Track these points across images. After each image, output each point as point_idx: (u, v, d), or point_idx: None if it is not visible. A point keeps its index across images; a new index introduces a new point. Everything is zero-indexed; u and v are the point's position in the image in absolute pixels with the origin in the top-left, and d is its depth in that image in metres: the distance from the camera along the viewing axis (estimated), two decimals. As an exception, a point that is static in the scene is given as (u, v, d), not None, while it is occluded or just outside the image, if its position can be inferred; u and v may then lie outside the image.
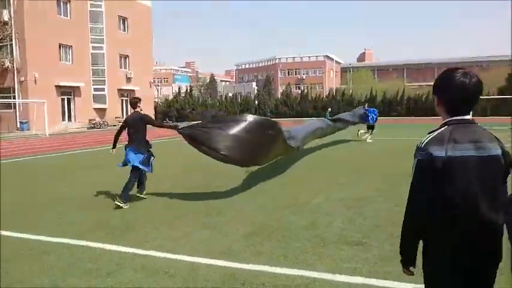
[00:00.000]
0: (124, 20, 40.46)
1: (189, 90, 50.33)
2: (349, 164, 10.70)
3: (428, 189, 1.85)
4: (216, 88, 64.13)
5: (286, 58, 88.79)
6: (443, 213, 1.84)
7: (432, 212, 1.86)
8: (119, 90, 39.66)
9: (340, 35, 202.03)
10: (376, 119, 17.64)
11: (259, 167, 8.96)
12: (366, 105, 18.54)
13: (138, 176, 6.70)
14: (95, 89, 37.27)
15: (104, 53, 37.47)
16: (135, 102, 6.94)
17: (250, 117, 7.12)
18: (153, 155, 6.88)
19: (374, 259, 4.12)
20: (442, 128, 1.94)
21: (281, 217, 5.76)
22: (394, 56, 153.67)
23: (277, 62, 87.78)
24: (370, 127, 17.40)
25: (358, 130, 17.68)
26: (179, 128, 6.89)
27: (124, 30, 40.77)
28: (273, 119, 8.40)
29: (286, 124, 11.91)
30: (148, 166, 6.75)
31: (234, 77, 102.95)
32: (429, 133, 1.96)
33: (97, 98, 37.44)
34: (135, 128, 6.70)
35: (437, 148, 1.86)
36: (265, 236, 4.91)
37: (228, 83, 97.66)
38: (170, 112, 46.46)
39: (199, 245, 4.65)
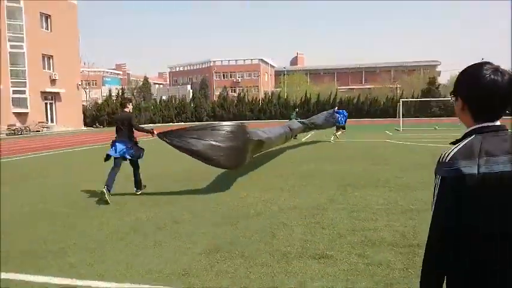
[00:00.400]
0: (47, 17, 37.65)
1: (120, 93, 48.02)
2: (295, 170, 10.49)
3: (455, 217, 1.46)
4: (149, 91, 61.95)
5: (221, 61, 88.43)
6: (473, 255, 1.44)
7: (457, 253, 1.47)
8: (43, 92, 36.82)
9: (273, 39, 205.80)
10: (346, 120, 18.82)
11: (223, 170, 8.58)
12: (336, 108, 19.47)
13: (119, 168, 7.24)
14: (14, 92, 34.25)
15: (24, 53, 34.57)
16: (124, 103, 7.68)
17: (227, 127, 7.61)
18: (141, 150, 7.47)
19: (344, 275, 3.80)
20: (470, 138, 1.55)
21: (237, 230, 5.29)
22: (325, 61, 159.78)
23: (212, 64, 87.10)
24: (341, 127, 18.67)
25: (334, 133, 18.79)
26: (159, 133, 7.27)
27: (47, 28, 37.94)
28: (241, 122, 8.93)
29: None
30: (137, 153, 7.37)
31: (168, 80, 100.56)
32: (453, 143, 1.57)
33: (17, 102, 34.44)
34: (121, 125, 7.30)
35: (467, 163, 1.45)
36: (225, 253, 4.42)
37: (161, 85, 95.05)
38: (102, 116, 43.95)
39: (151, 267, 4.04)
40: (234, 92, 72.73)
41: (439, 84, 53.61)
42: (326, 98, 51.93)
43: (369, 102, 50.30)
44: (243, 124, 8.36)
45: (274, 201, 6.83)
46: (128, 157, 7.33)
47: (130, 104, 7.75)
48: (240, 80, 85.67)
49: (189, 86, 70.96)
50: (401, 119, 26.29)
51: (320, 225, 5.36)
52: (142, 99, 55.37)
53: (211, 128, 7.51)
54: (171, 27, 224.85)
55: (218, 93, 68.40)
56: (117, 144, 7.20)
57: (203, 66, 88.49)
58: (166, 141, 7.26)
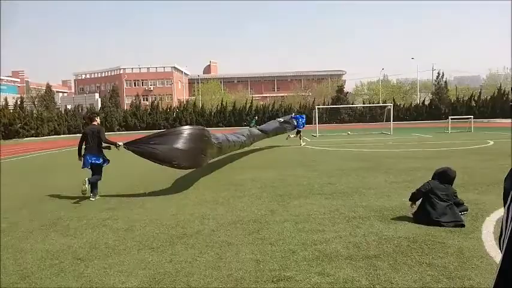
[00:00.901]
0: None
1: (19, 103, 43.42)
2: (229, 179, 9.97)
3: None
4: (53, 100, 57.01)
5: (132, 68, 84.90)
6: None
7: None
8: None
9: (186, 47, 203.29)
10: (304, 124, 19.58)
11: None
12: (293, 114, 20.68)
13: (101, 173, 8.00)
14: None
15: None
16: (92, 117, 8.33)
17: (187, 130, 8.36)
18: (107, 160, 8.10)
19: (311, 300, 3.37)
20: None
21: (177, 254, 4.61)
22: (238, 69, 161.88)
23: (121, 72, 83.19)
24: (299, 132, 19.43)
25: (288, 136, 19.69)
26: (123, 144, 7.85)
27: None
28: (200, 126, 9.75)
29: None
30: (104, 163, 8.04)
31: (73, 88, 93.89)
32: None
33: None
34: (91, 139, 7.87)
35: None
36: (168, 285, 3.74)
37: (66, 94, 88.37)
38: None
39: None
40: (147, 100, 70.11)
41: (347, 92, 56.94)
42: (242, 106, 52.21)
43: (284, 110, 51.58)
44: (203, 128, 9.31)
45: (211, 216, 6.24)
46: (103, 164, 8.05)
47: (98, 117, 8.45)
48: (152, 88, 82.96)
49: (97, 95, 66.75)
50: (317, 125, 27.13)
51: (268, 242, 4.91)
52: (44, 109, 50.67)
53: (171, 132, 8.24)
54: (77, 32, 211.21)
55: (129, 101, 65.30)
56: (87, 157, 7.85)
57: (112, 74, 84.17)
58: (131, 150, 7.85)
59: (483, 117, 45.53)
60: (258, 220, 5.89)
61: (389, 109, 27.90)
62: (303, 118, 19.69)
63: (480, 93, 53.17)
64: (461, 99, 52.26)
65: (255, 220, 5.90)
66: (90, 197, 7.79)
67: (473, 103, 51.41)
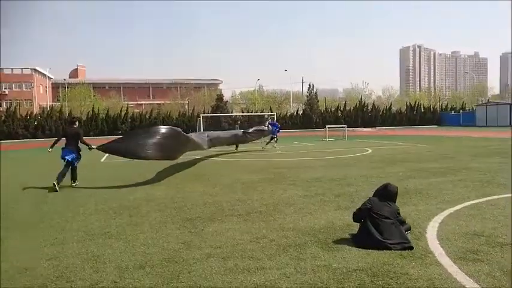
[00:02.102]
0: None
1: None
2: (121, 199, 8.22)
3: None
4: None
5: (-21, 68, 73.06)
6: None
7: None
8: None
9: (49, 48, 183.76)
10: (279, 130, 22.02)
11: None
12: (270, 120, 23.24)
13: (68, 169, 9.79)
14: None
15: None
16: (74, 120, 10.76)
17: (162, 129, 10.52)
18: (80, 158, 10.12)
19: None
20: None
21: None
22: (110, 74, 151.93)
23: (-35, 72, 70.98)
24: (273, 137, 21.19)
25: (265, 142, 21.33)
26: (96, 146, 9.94)
27: None
28: (177, 128, 11.53)
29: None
30: (76, 160, 9.97)
31: None
32: None
33: None
34: (70, 138, 9.94)
35: None
36: None
37: None
38: None
39: None
40: (0, 106, 60.75)
41: (226, 101, 57.08)
42: (116, 114, 48.38)
43: (162, 118, 49.32)
44: (175, 128, 11.38)
45: (106, 257, 4.66)
46: (72, 162, 9.84)
47: (78, 122, 10.88)
48: (7, 92, 72.48)
49: None
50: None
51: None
52: None
53: (144, 132, 10.84)
54: None
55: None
56: (67, 152, 9.73)
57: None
58: (103, 151, 10.02)
59: (348, 126, 49.79)
60: (172, 259, 4.53)
61: (273, 118, 28.26)
62: (277, 125, 22.26)
63: (345, 104, 58.27)
64: (330, 110, 56.53)
65: (168, 259, 4.52)
66: (72, 184, 9.91)
67: (339, 113, 56.04)
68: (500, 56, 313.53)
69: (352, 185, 9.14)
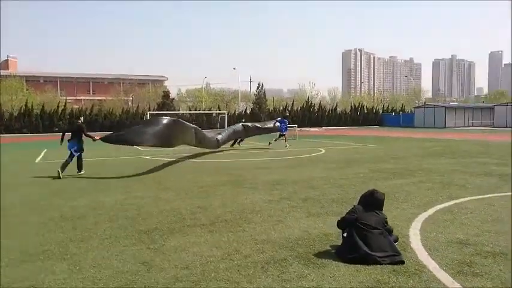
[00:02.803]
0: None
1: None
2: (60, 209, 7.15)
3: None
4: None
5: None
6: None
7: None
8: None
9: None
10: (287, 128, 21.22)
11: None
12: (279, 118, 22.17)
13: (72, 160, 10.95)
14: None
15: None
16: (79, 116, 13.22)
17: (165, 120, 11.93)
18: (83, 150, 11.26)
19: None
20: None
21: None
22: (46, 67, 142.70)
23: None
24: (282, 135, 20.70)
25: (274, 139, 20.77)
26: (100, 138, 10.97)
27: None
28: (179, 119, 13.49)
29: None
30: (78, 153, 11.08)
31: None
32: None
33: None
34: (74, 132, 11.20)
35: None
36: None
37: None
38: None
39: None
40: None
41: (173, 99, 55.41)
42: (53, 110, 45.13)
43: (104, 115, 46.78)
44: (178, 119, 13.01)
45: (46, 286, 3.77)
46: (75, 154, 11.10)
47: (82, 117, 13.44)
48: None
49: None
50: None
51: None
52: None
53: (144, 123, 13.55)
54: None
55: None
56: (71, 144, 11.09)
57: None
58: (108, 142, 11.02)
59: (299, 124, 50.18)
60: (131, 285, 3.75)
61: (224, 116, 27.55)
62: (286, 122, 21.36)
63: (292, 104, 58.76)
64: (278, 109, 56.69)
65: (126, 286, 3.73)
66: (78, 172, 10.98)
67: (287, 113, 56.36)
68: (433, 62, 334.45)
69: (317, 188, 8.71)
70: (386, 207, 6.81)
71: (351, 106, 61.60)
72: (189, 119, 42.61)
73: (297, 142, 24.89)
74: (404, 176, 10.30)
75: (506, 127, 45.63)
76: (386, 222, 4.59)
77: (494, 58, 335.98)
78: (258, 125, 21.73)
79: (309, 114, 56.92)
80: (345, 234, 4.62)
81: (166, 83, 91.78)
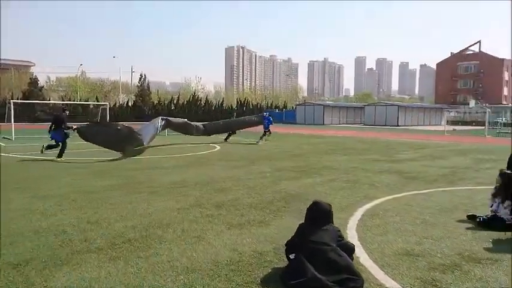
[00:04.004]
0: None
1: None
2: None
3: None
4: None
5: None
6: None
7: None
8: None
9: None
10: (270, 123, 21.60)
11: None
12: (266, 114, 22.55)
13: (56, 146, 12.49)
14: None
15: None
16: (64, 109, 13.47)
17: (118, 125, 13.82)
18: (65, 137, 12.57)
19: None
20: None
21: None
22: None
23: None
24: (267, 131, 21.13)
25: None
26: (75, 128, 12.70)
27: None
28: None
29: None
30: (62, 140, 12.47)
31: None
32: None
33: None
34: (57, 123, 12.43)
35: None
36: None
37: None
38: None
39: None
40: None
41: (42, 87, 49.10)
42: None
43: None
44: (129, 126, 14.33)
45: None
46: (56, 140, 12.51)
47: (67, 111, 13.53)
48: None
49: None
50: (12, 124, 21.00)
51: None
52: None
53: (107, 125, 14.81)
54: None
55: None
56: (52, 133, 12.50)
57: None
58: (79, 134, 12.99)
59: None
60: None
61: (105, 108, 24.89)
62: (270, 119, 21.71)
63: (178, 98, 56.88)
64: (163, 103, 54.35)
65: None
66: (56, 158, 12.23)
67: (172, 106, 54.35)
68: (308, 63, 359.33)
69: (227, 191, 7.77)
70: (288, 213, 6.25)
71: (237, 102, 62.09)
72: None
73: (187, 137, 23.55)
74: (311, 175, 9.95)
75: (374, 125, 50.49)
76: (341, 236, 3.84)
77: (360, 63, 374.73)
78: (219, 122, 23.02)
79: (196, 109, 55.76)
80: (292, 256, 3.77)
81: (33, 69, 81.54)
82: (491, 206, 5.71)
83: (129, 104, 52.69)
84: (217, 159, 13.05)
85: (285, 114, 60.20)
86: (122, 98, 61.60)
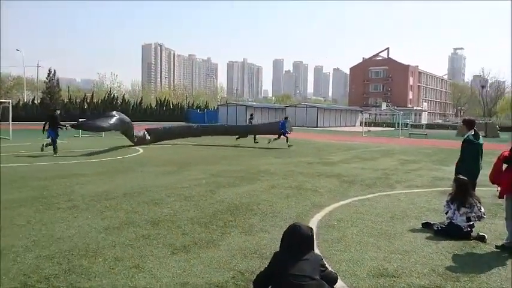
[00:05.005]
0: None
1: None
2: None
3: None
4: None
5: None
6: None
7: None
8: None
9: None
10: (283, 127, 19.61)
11: None
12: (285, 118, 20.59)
13: (52, 144, 13.71)
14: None
15: None
16: (54, 109, 16.48)
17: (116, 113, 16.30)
18: (58, 136, 14.09)
19: None
20: None
21: None
22: None
23: None
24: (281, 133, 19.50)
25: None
26: (70, 126, 14.78)
27: None
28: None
29: None
30: (55, 137, 13.86)
31: None
32: None
33: None
34: (50, 122, 13.95)
35: None
36: None
37: None
38: None
39: None
40: None
41: None
42: None
43: None
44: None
45: None
46: (51, 138, 13.77)
47: (58, 110, 16.13)
48: None
49: None
50: None
51: None
52: None
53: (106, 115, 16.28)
54: None
55: None
56: (49, 131, 13.84)
57: None
58: (78, 128, 16.21)
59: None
60: None
61: (7, 106, 21.98)
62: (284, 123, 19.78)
63: (92, 96, 53.07)
64: (74, 101, 50.32)
65: None
66: (53, 154, 13.31)
67: (85, 105, 50.54)
68: (227, 64, 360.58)
69: (162, 203, 6.85)
70: (261, 226, 5.62)
71: (156, 101, 59.68)
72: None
73: (104, 139, 21.69)
74: (250, 181, 9.34)
75: (295, 126, 51.50)
76: (324, 266, 3.22)
77: (278, 65, 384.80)
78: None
79: (112, 108, 52.40)
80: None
81: None
82: (447, 213, 5.55)
83: (35, 102, 47.88)
84: (143, 164, 11.87)
85: (207, 115, 59.13)
86: (27, 95, 55.90)
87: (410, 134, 34.28)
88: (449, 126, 59.31)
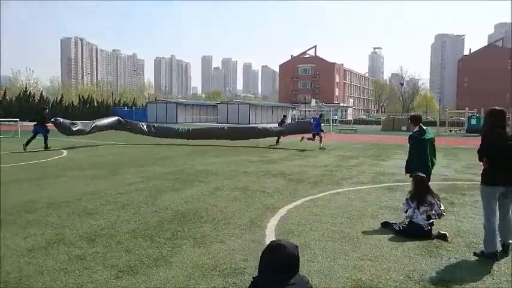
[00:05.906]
0: None
1: None
2: None
3: None
4: None
5: None
6: None
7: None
8: None
9: None
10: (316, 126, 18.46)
11: None
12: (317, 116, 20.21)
13: (34, 138, 15.28)
14: None
15: None
16: (44, 109, 17.28)
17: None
18: (48, 132, 15.66)
19: None
20: None
21: None
22: None
23: None
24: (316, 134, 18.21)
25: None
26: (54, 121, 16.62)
27: None
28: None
29: None
30: (45, 132, 15.49)
31: None
32: None
33: None
34: (40, 120, 15.66)
35: None
36: None
37: None
38: None
39: None
40: None
41: None
42: None
43: None
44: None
45: None
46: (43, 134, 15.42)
47: (46, 110, 17.23)
48: None
49: None
50: None
51: None
52: None
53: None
54: None
55: None
56: (37, 128, 15.59)
57: None
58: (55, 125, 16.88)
59: (12, 117, 41.37)
60: None
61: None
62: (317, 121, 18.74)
63: (5, 93, 48.38)
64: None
65: None
66: (47, 148, 15.22)
67: (-3, 103, 45.95)
68: (154, 60, 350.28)
69: (96, 213, 5.99)
70: (215, 235, 5.07)
71: (79, 98, 55.98)
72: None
73: (22, 140, 19.56)
74: (192, 183, 8.70)
75: (227, 123, 51.12)
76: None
77: (206, 61, 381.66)
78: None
79: (28, 106, 48.16)
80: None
81: None
82: (406, 212, 5.40)
83: None
84: (69, 168, 10.66)
85: (134, 113, 56.63)
86: None
87: (340, 129, 35.42)
88: (374, 121, 62.58)
